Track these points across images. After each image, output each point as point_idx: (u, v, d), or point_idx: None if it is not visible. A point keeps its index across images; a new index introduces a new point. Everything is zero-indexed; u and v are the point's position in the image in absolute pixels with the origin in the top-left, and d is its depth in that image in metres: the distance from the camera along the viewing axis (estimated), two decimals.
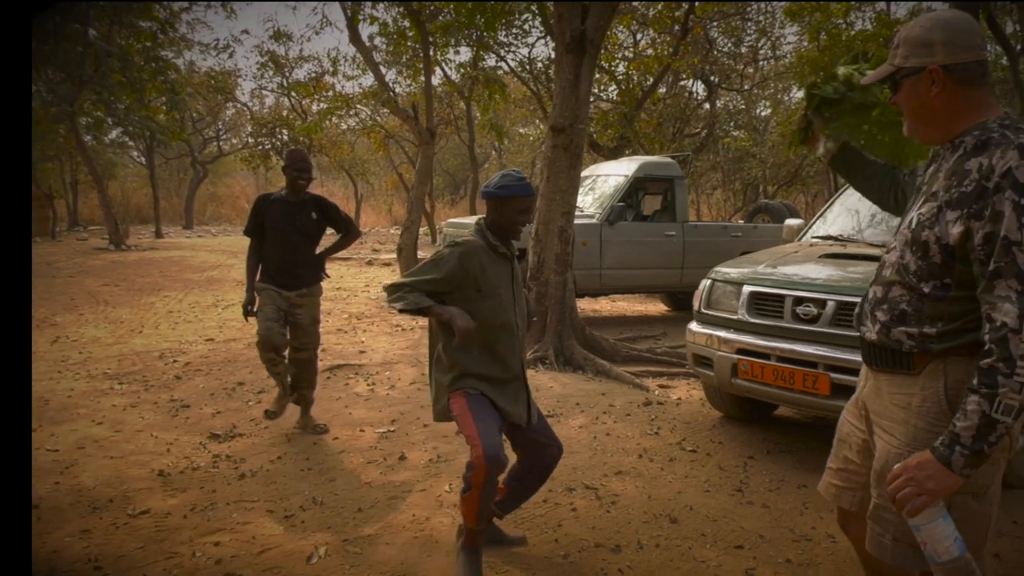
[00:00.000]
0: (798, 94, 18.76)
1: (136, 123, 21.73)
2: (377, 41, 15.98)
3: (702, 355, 4.37)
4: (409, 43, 12.82)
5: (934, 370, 1.64)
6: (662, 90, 15.85)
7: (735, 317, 4.21)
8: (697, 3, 12.55)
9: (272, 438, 4.40)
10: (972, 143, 1.59)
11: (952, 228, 1.55)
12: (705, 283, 4.55)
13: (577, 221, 7.06)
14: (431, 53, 11.93)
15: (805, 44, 13.97)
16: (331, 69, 19.82)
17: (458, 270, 2.66)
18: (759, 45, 17.37)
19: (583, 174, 8.79)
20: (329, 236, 4.77)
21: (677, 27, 12.85)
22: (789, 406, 4.43)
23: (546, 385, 5.68)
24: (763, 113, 22.04)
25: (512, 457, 2.85)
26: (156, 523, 3.17)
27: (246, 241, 4.52)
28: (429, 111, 11.36)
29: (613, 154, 12.51)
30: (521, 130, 26.92)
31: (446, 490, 3.62)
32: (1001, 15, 12.33)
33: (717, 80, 16.89)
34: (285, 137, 24.24)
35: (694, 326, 4.52)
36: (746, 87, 18.79)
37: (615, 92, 14.88)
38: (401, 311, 2.64)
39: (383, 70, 13.60)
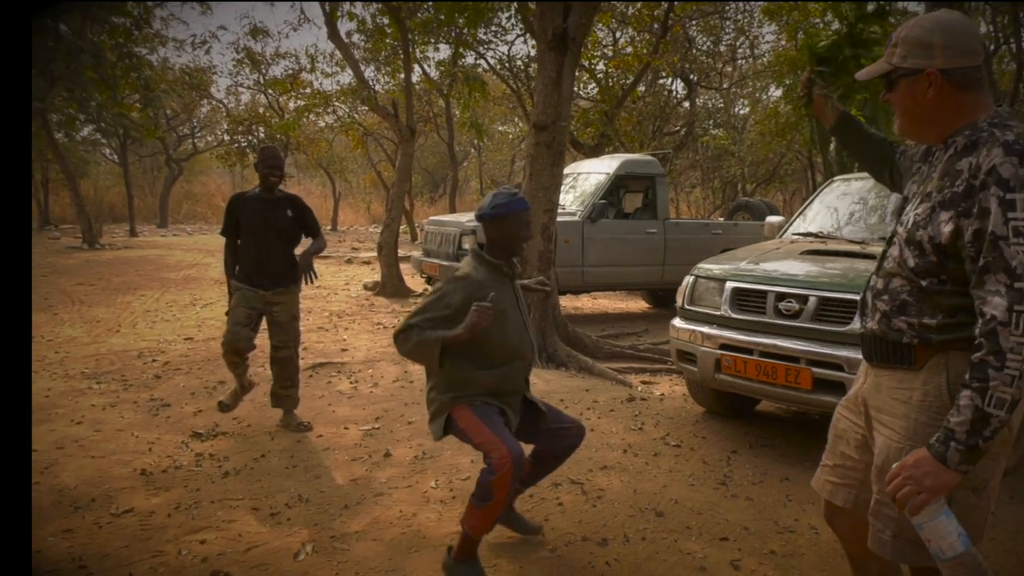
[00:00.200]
0: (776, 93, 18.94)
1: (109, 120, 21.39)
2: (355, 38, 15.88)
3: (685, 351, 4.41)
4: (388, 40, 12.75)
5: (936, 364, 1.65)
6: (641, 88, 15.92)
7: (718, 313, 4.26)
8: (676, 2, 12.62)
9: (255, 436, 4.36)
10: (963, 143, 1.61)
11: (944, 227, 1.57)
12: (688, 279, 4.59)
13: (559, 219, 7.07)
14: (410, 50, 11.89)
15: (783, 43, 14.12)
16: (309, 66, 19.66)
17: (465, 303, 2.61)
18: (737, 44, 17.53)
19: (564, 172, 8.81)
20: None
21: (657, 25, 12.93)
22: (772, 401, 4.49)
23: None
24: (742, 112, 22.23)
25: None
26: (140, 522, 3.14)
27: (222, 240, 4.49)
28: (409, 108, 11.32)
29: (594, 152, 12.56)
30: (500, 128, 26.91)
31: (432, 486, 3.62)
32: (975, 15, 12.54)
33: (696, 79, 17.01)
34: (262, 134, 24.01)
35: (677, 322, 4.56)
36: (725, 86, 18.95)
37: (595, 90, 14.92)
38: (411, 356, 2.62)
39: (361, 67, 13.50)
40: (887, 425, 1.74)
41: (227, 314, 4.45)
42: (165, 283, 11.48)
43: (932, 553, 1.55)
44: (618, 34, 15.27)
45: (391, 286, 10.75)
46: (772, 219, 5.46)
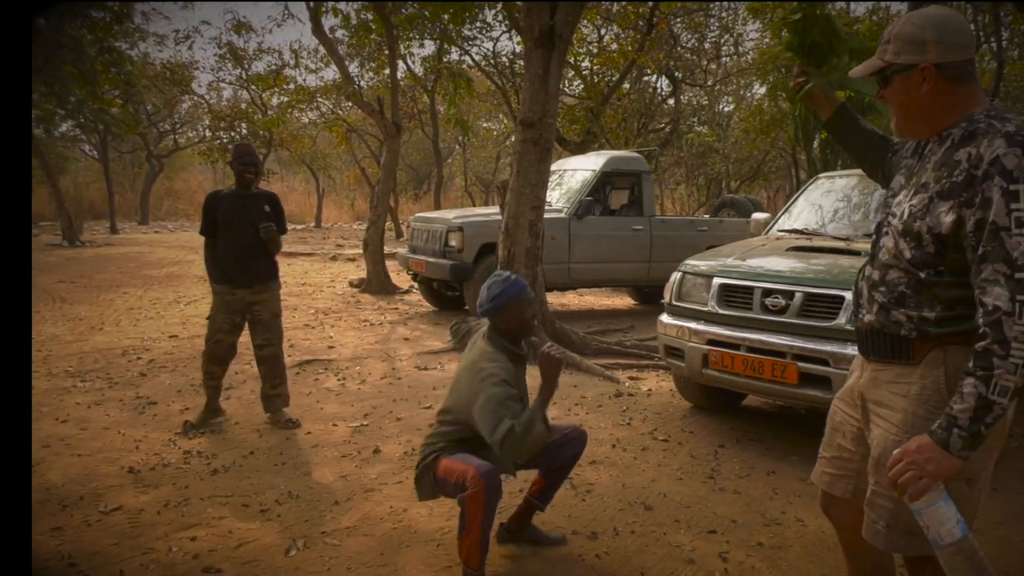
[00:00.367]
0: (760, 90, 19.05)
1: (89, 116, 21.12)
2: (339, 34, 15.80)
3: (673, 346, 4.45)
4: (372, 36, 12.69)
5: (934, 358, 1.68)
6: (627, 85, 15.97)
7: (705, 309, 4.29)
8: (662, 1, 12.66)
9: (243, 434, 4.35)
10: (960, 134, 1.63)
11: (944, 217, 1.59)
12: (676, 276, 4.62)
13: (545, 216, 7.09)
14: (395, 46, 11.84)
15: (767, 41, 14.19)
16: (292, 62, 19.54)
17: (510, 372, 2.60)
18: (722, 41, 17.61)
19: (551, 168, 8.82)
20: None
21: (642, 23, 12.96)
22: (758, 395, 4.53)
23: None
24: (726, 109, 22.36)
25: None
26: (129, 519, 3.12)
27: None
28: (394, 104, 11.29)
29: (580, 149, 12.57)
30: (485, 124, 26.87)
31: None
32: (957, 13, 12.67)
33: (681, 76, 17.09)
34: (244, 130, 23.82)
35: (665, 318, 4.60)
36: (709, 83, 19.04)
37: (580, 87, 14.94)
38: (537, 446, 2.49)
39: (346, 63, 13.43)
40: (884, 418, 1.76)
41: (208, 319, 4.44)
42: (148, 280, 11.38)
43: (930, 540, 1.57)
44: (603, 31, 15.30)
45: (377, 283, 10.73)
46: (758, 216, 5.51)
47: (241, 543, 2.94)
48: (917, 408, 1.69)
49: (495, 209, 8.97)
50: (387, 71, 12.36)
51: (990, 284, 1.51)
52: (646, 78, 17.89)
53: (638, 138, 16.09)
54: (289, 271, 12.44)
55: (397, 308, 9.42)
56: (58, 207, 17.90)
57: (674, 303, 4.55)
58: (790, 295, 3.90)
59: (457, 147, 29.73)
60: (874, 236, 1.85)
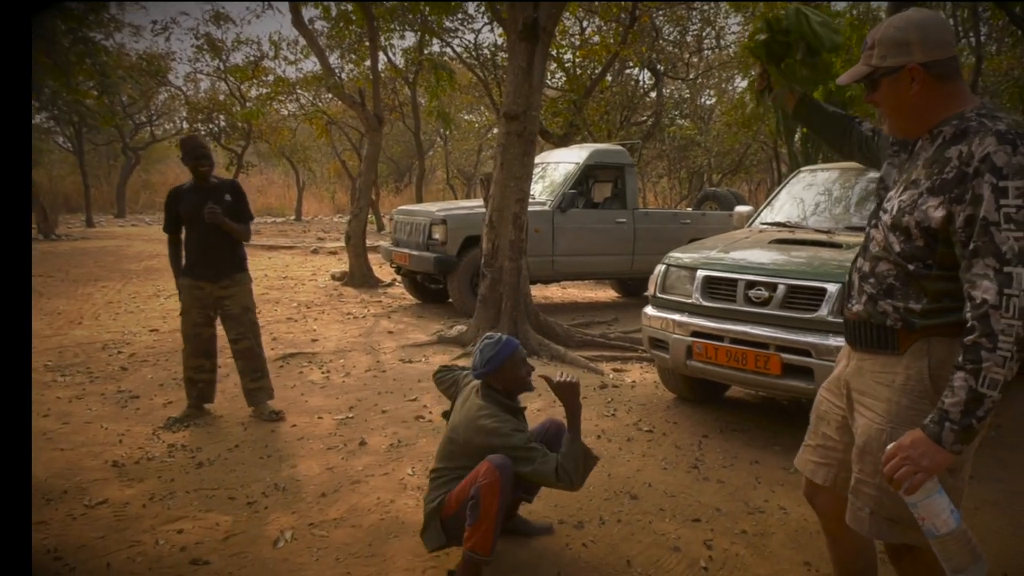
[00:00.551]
0: (742, 83, 19.18)
1: (63, 107, 20.77)
2: (319, 25, 15.65)
3: (658, 338, 4.48)
4: (353, 27, 12.59)
5: (918, 349, 1.71)
6: (609, 78, 15.98)
7: (689, 301, 4.33)
8: (644, 1, 12.68)
9: (228, 427, 4.33)
10: (951, 132, 1.67)
11: (934, 212, 1.63)
12: (660, 268, 4.66)
13: (528, 208, 7.10)
14: (376, 37, 11.76)
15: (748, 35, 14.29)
16: (272, 53, 19.30)
17: (517, 414, 2.70)
18: (704, 35, 17.68)
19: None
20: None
21: (624, 15, 12.97)
22: (742, 386, 4.59)
23: None
24: (708, 102, 22.46)
25: None
26: (115, 513, 3.11)
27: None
28: (376, 97, 11.21)
29: (562, 142, 12.57)
30: (467, 117, 26.77)
31: (408, 473, 3.64)
32: (936, 10, 12.84)
33: (663, 69, 17.13)
34: (222, 122, 23.54)
35: (649, 310, 4.63)
36: (691, 76, 19.11)
37: (563, 80, 14.94)
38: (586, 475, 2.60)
39: (326, 54, 13.30)
40: (869, 408, 1.80)
41: (181, 315, 4.41)
42: (126, 274, 11.24)
43: (925, 531, 1.60)
44: (586, 24, 15.30)
45: (359, 276, 10.69)
46: (741, 209, 5.56)
47: (228, 535, 2.94)
48: (901, 398, 1.73)
49: (479, 202, 8.96)
50: (368, 63, 12.27)
51: (979, 278, 1.54)
52: (628, 71, 17.91)
53: (620, 131, 16.13)
54: (270, 264, 12.36)
55: (380, 301, 9.40)
56: (32, 200, 17.61)
57: (658, 295, 4.59)
58: (773, 287, 3.94)
59: (439, 139, 29.61)
60: (866, 229, 1.88)
